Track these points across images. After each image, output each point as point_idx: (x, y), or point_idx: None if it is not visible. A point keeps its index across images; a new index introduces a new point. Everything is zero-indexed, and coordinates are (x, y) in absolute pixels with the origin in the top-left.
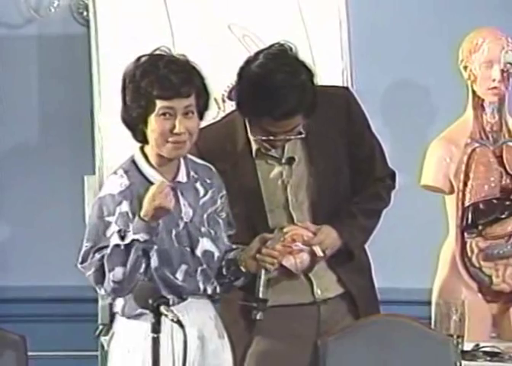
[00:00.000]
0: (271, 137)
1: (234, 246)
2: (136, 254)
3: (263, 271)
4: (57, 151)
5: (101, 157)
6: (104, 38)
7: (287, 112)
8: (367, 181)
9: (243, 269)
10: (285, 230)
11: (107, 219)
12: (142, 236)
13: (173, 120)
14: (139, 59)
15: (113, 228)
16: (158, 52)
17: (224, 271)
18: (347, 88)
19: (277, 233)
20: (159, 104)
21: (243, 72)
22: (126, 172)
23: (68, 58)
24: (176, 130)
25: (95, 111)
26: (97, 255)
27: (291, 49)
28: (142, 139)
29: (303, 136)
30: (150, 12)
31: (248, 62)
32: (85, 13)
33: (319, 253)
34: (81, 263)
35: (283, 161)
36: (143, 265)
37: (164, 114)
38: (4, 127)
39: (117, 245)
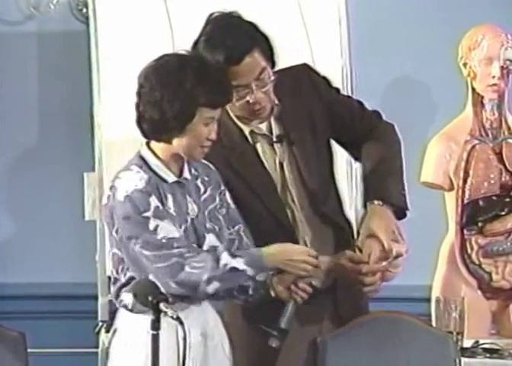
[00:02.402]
0: (247, 90)
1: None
2: (237, 282)
3: (291, 303)
4: (56, 148)
5: (101, 154)
6: (103, 35)
7: (242, 49)
8: (356, 129)
9: (272, 294)
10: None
11: (145, 214)
12: (250, 270)
13: (211, 126)
14: (184, 57)
15: (153, 222)
16: (182, 52)
17: (250, 290)
18: (305, 64)
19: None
20: (206, 112)
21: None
22: (140, 167)
23: (67, 55)
24: (211, 137)
25: (95, 108)
26: (175, 251)
27: (225, 12)
28: (163, 139)
29: (273, 78)
30: (150, 9)
31: (195, 43)
32: (85, 10)
33: (403, 251)
34: (152, 250)
35: (275, 139)
36: (228, 291)
37: (207, 123)
38: (4, 124)
39: (233, 268)
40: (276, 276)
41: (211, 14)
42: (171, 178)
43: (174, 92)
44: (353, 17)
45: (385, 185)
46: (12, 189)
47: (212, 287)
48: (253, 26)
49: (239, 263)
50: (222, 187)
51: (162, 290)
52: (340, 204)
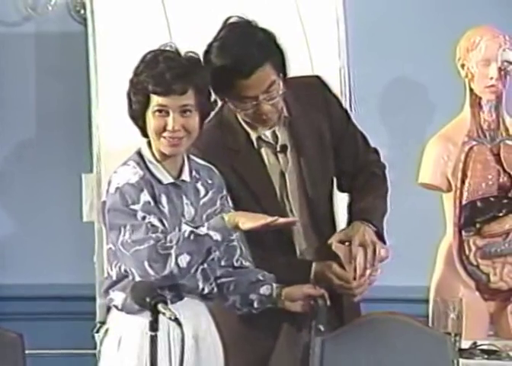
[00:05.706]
0: (254, 102)
1: (260, 276)
2: (204, 248)
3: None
4: (54, 149)
5: (99, 155)
6: (101, 36)
7: (253, 63)
8: (356, 164)
9: (280, 306)
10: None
11: (132, 207)
12: (215, 234)
13: (167, 117)
14: (146, 54)
15: (140, 213)
16: (165, 47)
17: (255, 304)
18: (318, 77)
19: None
20: (154, 100)
21: (206, 56)
22: (137, 164)
23: (65, 56)
24: (169, 127)
25: (93, 109)
26: (153, 235)
27: (243, 19)
28: (147, 135)
29: (281, 92)
30: (147, 10)
31: (208, 47)
32: (82, 11)
33: (386, 255)
34: (130, 237)
35: (278, 149)
36: (200, 261)
37: (159, 111)
38: (2, 125)
39: (192, 232)
40: (284, 290)
41: (228, 18)
42: (166, 179)
43: (133, 85)
44: (351, 18)
45: (370, 210)
46: (10, 190)
47: (185, 259)
48: (269, 36)
49: (203, 230)
50: (224, 192)
51: (136, 275)
52: (333, 221)
